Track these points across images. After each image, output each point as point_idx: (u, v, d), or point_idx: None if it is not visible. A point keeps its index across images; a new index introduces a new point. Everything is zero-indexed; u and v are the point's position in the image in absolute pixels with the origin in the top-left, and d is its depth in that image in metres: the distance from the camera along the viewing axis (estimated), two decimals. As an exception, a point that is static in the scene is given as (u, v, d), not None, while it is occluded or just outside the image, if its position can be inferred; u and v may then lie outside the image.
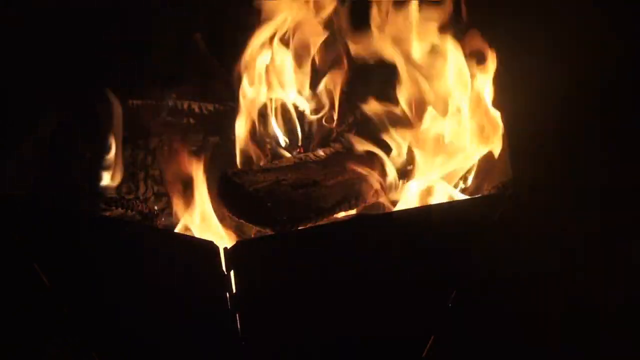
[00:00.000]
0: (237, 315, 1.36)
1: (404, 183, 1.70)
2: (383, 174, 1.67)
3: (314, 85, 1.85)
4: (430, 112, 1.71)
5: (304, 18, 1.77)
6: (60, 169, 1.72)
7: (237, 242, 1.32)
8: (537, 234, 1.96)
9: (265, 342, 1.45)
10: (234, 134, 1.78)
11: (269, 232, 1.52)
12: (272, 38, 1.78)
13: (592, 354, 1.79)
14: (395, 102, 1.73)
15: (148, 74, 1.89)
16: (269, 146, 1.82)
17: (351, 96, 1.86)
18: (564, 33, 1.95)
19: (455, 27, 1.67)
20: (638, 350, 1.78)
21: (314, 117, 1.88)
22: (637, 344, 1.79)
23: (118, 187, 1.74)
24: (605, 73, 2.04)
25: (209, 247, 1.30)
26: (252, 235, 1.59)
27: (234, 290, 1.33)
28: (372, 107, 1.74)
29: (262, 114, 1.83)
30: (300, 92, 1.86)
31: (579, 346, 1.80)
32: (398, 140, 1.71)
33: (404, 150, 1.71)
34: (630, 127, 2.10)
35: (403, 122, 1.73)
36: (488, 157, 1.66)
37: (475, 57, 1.66)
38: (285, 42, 1.80)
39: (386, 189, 1.69)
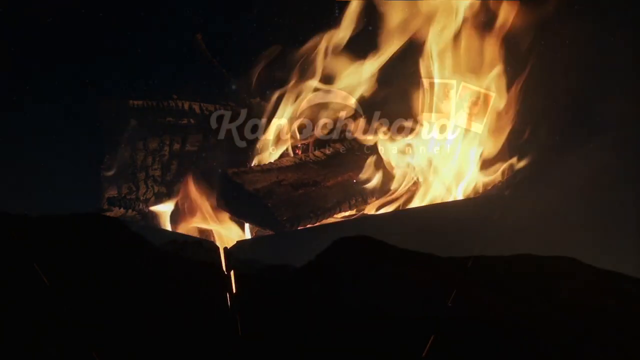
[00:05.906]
0: (237, 315, 1.36)
1: (404, 183, 1.70)
2: (383, 174, 1.67)
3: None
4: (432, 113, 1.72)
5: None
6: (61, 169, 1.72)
7: (237, 242, 1.32)
8: (536, 233, 1.95)
9: (265, 341, 1.44)
10: (234, 134, 1.79)
11: (269, 232, 1.52)
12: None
13: (593, 353, 1.79)
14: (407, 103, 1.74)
15: (149, 74, 1.89)
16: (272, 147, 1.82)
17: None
18: (564, 32, 1.95)
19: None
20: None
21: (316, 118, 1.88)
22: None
23: (119, 188, 1.74)
24: (606, 74, 2.04)
25: (209, 247, 1.30)
26: (252, 235, 1.59)
27: (234, 290, 1.33)
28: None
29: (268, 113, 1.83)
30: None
31: (580, 346, 1.80)
32: (401, 140, 1.72)
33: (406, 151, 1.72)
34: (631, 128, 2.10)
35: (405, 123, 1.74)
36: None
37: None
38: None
39: (386, 189, 1.69)
